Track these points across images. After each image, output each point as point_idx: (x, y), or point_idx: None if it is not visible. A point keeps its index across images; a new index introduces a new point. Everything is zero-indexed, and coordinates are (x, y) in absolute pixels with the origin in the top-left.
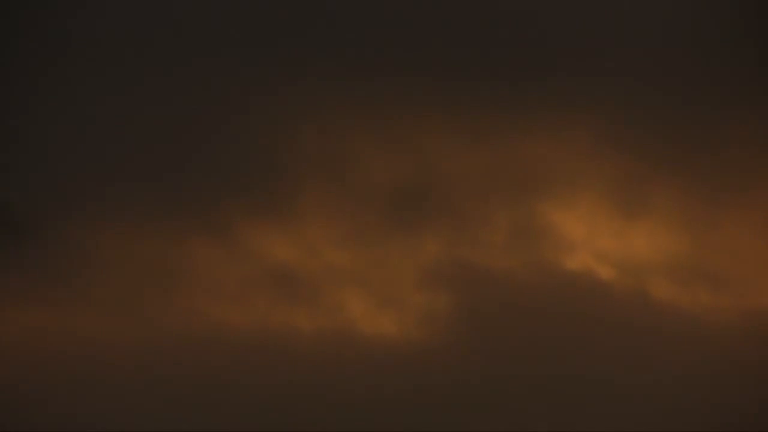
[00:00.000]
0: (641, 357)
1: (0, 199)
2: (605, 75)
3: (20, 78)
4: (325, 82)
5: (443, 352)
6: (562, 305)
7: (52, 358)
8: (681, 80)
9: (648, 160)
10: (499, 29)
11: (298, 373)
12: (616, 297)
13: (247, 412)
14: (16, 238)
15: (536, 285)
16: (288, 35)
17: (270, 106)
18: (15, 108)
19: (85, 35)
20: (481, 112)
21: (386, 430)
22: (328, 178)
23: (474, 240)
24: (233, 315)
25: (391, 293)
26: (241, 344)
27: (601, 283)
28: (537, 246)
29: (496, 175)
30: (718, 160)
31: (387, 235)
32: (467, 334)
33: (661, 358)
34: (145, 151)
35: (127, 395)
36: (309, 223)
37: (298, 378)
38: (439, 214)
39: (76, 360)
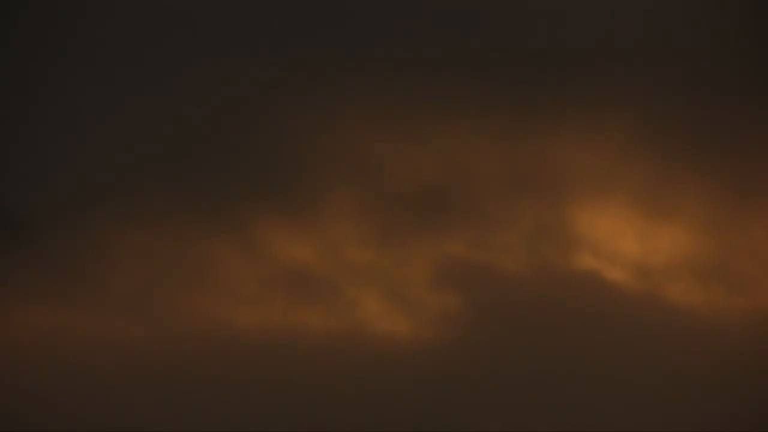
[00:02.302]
0: (658, 359)
1: (13, 197)
2: (635, 75)
3: (40, 76)
4: (346, 81)
5: (460, 353)
6: (583, 308)
7: (66, 358)
8: (711, 81)
9: (678, 162)
10: (526, 28)
11: (313, 372)
12: (636, 299)
13: (262, 412)
14: (29, 236)
15: (557, 287)
16: (310, 35)
17: (290, 106)
18: (33, 107)
19: (104, 33)
20: (508, 112)
21: (399, 428)
22: (348, 179)
23: (495, 241)
24: (249, 315)
25: (409, 294)
26: (256, 344)
27: (621, 285)
28: (559, 248)
29: (521, 176)
30: (748, 163)
31: (407, 235)
32: (482, 336)
33: (677, 360)
34: (162, 150)
35: (141, 395)
36: (328, 223)
37: (313, 377)
38: (461, 215)
39: (90, 360)
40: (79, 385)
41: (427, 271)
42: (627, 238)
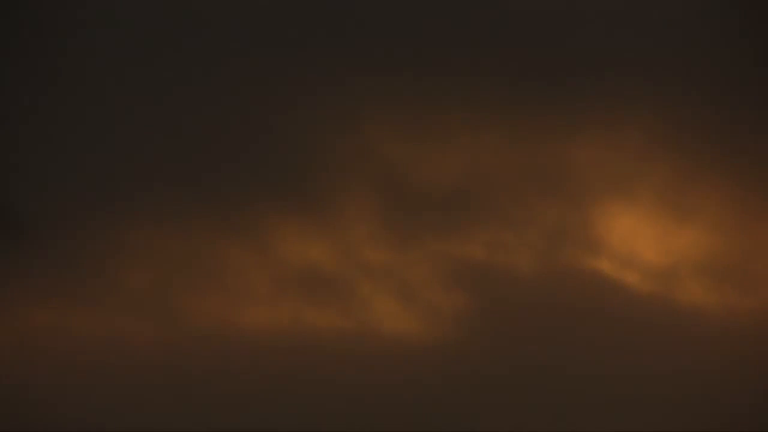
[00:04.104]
0: (672, 360)
1: (21, 197)
2: (655, 76)
3: (53, 75)
4: (363, 82)
5: (471, 353)
6: (598, 309)
7: (75, 357)
8: (731, 82)
9: (698, 162)
10: (546, 27)
11: (323, 371)
12: (651, 301)
13: (273, 412)
14: (40, 236)
15: (571, 288)
16: (329, 35)
17: (305, 106)
18: (42, 106)
19: (117, 32)
20: (527, 113)
21: (410, 426)
22: (362, 179)
23: (510, 242)
24: (261, 315)
25: (421, 294)
26: (267, 344)
27: (637, 286)
28: (575, 249)
29: (541, 177)
30: (766, 164)
31: (420, 236)
32: (494, 337)
33: (691, 361)
34: (174, 150)
35: (151, 395)
36: (341, 224)
37: (323, 376)
38: (476, 216)
39: (101, 360)
40: (89, 384)
41: (440, 272)
42: (645, 239)
